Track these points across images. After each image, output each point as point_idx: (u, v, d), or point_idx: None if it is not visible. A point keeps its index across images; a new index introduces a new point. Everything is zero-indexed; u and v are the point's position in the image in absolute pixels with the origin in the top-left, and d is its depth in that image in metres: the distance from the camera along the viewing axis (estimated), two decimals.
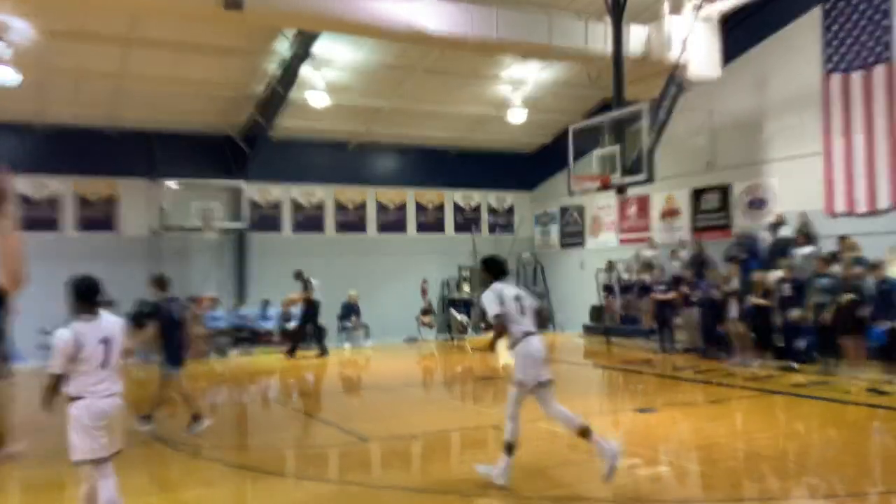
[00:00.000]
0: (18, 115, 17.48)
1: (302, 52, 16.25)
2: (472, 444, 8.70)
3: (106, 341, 4.94)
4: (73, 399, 4.91)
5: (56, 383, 4.85)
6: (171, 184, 18.35)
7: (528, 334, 6.54)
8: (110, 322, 5.07)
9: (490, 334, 6.99)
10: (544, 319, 20.08)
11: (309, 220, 21.14)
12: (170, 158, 18.79)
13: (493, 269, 6.80)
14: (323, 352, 17.24)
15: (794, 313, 12.94)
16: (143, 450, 8.47)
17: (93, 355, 4.86)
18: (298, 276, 17.38)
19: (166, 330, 9.24)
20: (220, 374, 15.43)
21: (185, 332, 9.50)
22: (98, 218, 18.83)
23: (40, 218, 18.02)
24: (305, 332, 17.50)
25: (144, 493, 6.81)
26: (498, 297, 6.49)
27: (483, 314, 21.64)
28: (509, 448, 6.37)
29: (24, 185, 17.94)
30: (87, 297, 5.03)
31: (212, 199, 18.96)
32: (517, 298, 6.64)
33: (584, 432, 6.38)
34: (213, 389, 13.31)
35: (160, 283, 9.55)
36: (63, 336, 4.84)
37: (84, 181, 18.65)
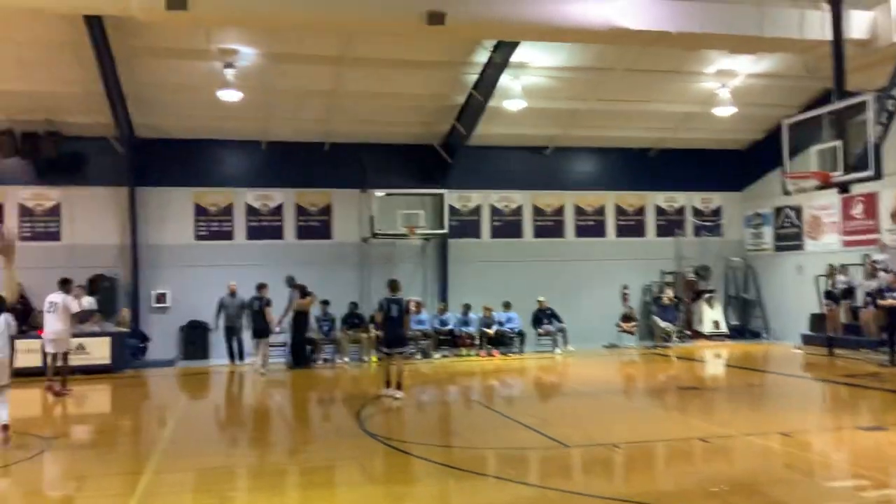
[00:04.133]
0: (246, 133, 19.32)
1: (501, 61, 16.52)
2: (678, 456, 8.37)
3: None
4: None
5: None
6: (379, 193, 19.33)
7: None
8: None
9: None
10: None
11: (507, 226, 21.38)
12: (378, 169, 19.83)
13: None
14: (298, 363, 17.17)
15: None
16: (355, 442, 9.01)
17: None
18: (290, 282, 17.47)
19: (386, 322, 12.17)
20: (425, 374, 16.01)
21: (400, 327, 12.11)
22: (314, 226, 20.26)
23: (266, 228, 19.76)
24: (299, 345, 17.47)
25: (356, 483, 7.24)
26: None
27: (687, 321, 20.86)
28: None
29: (251, 197, 19.76)
30: None
31: (416, 206, 19.74)
32: None
33: None
34: (419, 389, 13.83)
35: (391, 285, 12.48)
36: None
37: (303, 193, 20.15)
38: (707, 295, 21.32)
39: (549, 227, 21.65)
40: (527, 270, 20.52)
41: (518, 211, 21.47)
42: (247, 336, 17.11)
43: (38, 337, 14.33)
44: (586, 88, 18.43)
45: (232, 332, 17.22)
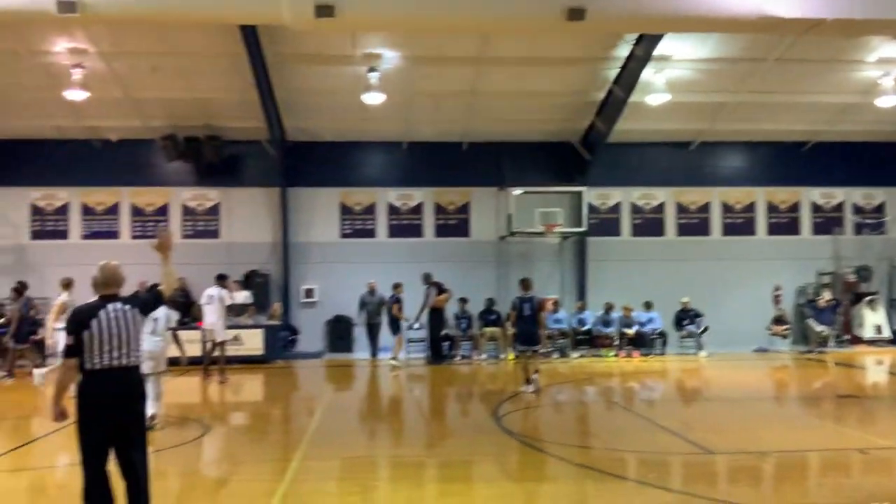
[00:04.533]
0: (388, 135, 19.90)
1: (644, 54, 16.11)
2: (832, 468, 7.87)
3: None
4: None
5: None
6: (517, 191, 19.34)
7: None
8: None
9: None
10: None
11: (648, 224, 20.82)
12: (516, 167, 19.87)
13: None
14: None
15: None
16: (492, 438, 9.09)
17: None
18: (427, 279, 17.67)
19: (518, 320, 12.48)
20: (562, 374, 15.89)
21: (532, 325, 12.28)
22: (453, 224, 20.56)
23: (406, 226, 20.28)
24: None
25: (493, 479, 7.31)
26: None
27: (845, 325, 19.51)
28: None
29: (392, 196, 20.34)
30: None
31: (553, 204, 19.61)
32: None
33: None
34: (556, 389, 13.75)
35: (523, 283, 12.73)
36: None
37: (442, 191, 20.50)
38: (869, 297, 19.87)
39: (694, 224, 20.90)
40: (669, 269, 19.90)
41: (660, 208, 20.86)
42: (387, 332, 17.79)
43: (198, 328, 15.40)
44: (734, 80, 17.63)
45: (372, 328, 17.98)
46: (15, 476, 7.68)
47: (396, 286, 17.62)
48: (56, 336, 12.53)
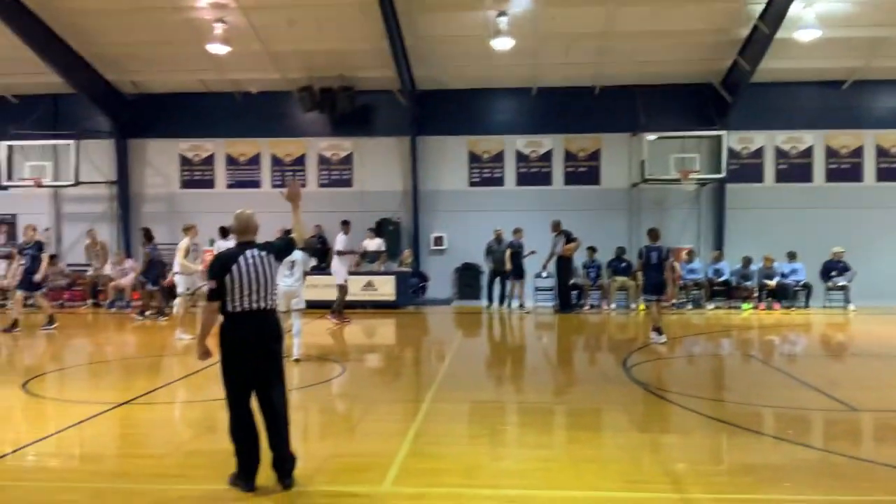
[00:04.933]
0: (516, 81, 19.65)
1: None
2: None
3: None
4: None
5: None
6: (651, 136, 18.69)
7: None
8: None
9: None
10: None
11: (794, 169, 19.62)
12: (651, 111, 19.15)
13: None
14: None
15: None
16: (620, 388, 9.00)
17: None
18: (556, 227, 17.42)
19: (645, 269, 12.64)
20: (696, 326, 15.44)
21: (659, 274, 12.43)
22: (582, 172, 20.17)
23: (535, 174, 20.09)
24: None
25: (623, 429, 7.24)
26: None
27: None
28: None
29: (520, 144, 20.16)
30: None
31: (690, 150, 18.84)
32: None
33: None
34: (690, 341, 13.39)
35: (651, 233, 12.88)
36: None
37: (572, 138, 20.10)
38: None
39: (845, 170, 19.52)
40: (816, 218, 18.78)
41: (807, 152, 19.60)
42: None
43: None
44: (894, 13, 16.11)
45: (497, 275, 18.08)
46: (163, 409, 8.35)
47: (516, 231, 17.82)
48: (176, 278, 13.39)
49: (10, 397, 8.36)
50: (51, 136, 20.22)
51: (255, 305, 5.31)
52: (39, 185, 19.76)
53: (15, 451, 6.31)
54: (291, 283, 10.15)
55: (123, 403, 8.01)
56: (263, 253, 5.44)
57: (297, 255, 9.78)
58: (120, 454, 6.51)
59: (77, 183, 19.85)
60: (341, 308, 14.82)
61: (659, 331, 12.37)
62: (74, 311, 17.82)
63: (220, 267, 5.33)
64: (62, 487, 5.44)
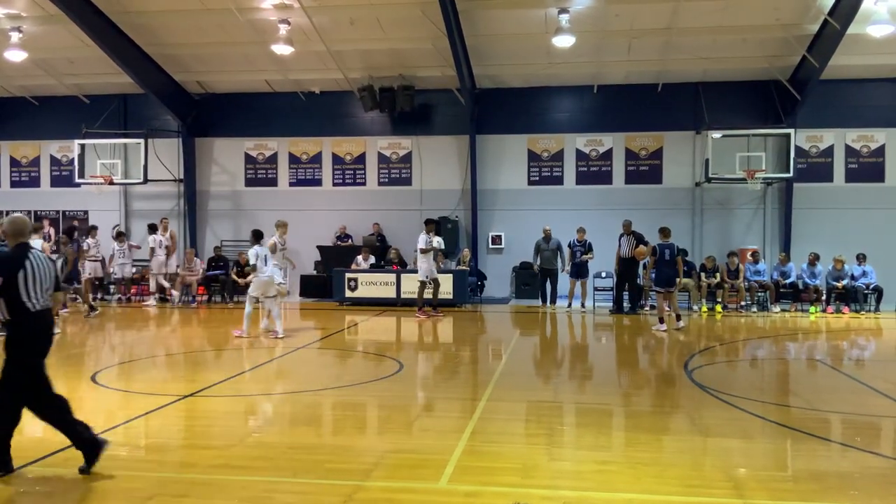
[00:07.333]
0: (577, 79, 19.51)
1: None
2: None
3: None
4: None
5: None
6: (716, 134, 18.30)
7: None
8: None
9: None
10: None
11: (865, 168, 18.97)
12: (715, 109, 18.78)
13: None
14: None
15: None
16: (682, 391, 8.84)
17: None
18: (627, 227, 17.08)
19: (659, 264, 14.34)
20: (762, 329, 15.06)
21: (672, 269, 14.24)
22: (644, 171, 19.86)
23: (595, 173, 19.90)
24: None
25: (683, 433, 7.11)
26: None
27: None
28: None
29: (580, 142, 19.97)
30: None
31: (756, 148, 18.39)
32: None
33: None
34: (755, 344, 13.08)
35: (663, 232, 14.45)
36: None
37: (633, 136, 19.81)
38: None
39: None
40: (888, 219, 18.14)
41: (880, 151, 18.95)
42: (564, 279, 18.03)
43: (392, 271, 16.31)
44: None
45: (547, 274, 17.95)
46: (227, 401, 8.54)
47: (580, 231, 17.72)
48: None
49: (81, 388, 8.68)
50: (121, 135, 20.92)
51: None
52: (111, 183, 20.46)
53: None
54: (269, 273, 12.46)
55: (189, 395, 8.24)
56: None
57: (257, 249, 12.63)
58: (185, 445, 6.69)
59: (146, 181, 20.47)
60: (423, 302, 15.87)
61: (679, 317, 14.39)
62: (140, 306, 18.38)
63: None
64: (128, 476, 5.61)
